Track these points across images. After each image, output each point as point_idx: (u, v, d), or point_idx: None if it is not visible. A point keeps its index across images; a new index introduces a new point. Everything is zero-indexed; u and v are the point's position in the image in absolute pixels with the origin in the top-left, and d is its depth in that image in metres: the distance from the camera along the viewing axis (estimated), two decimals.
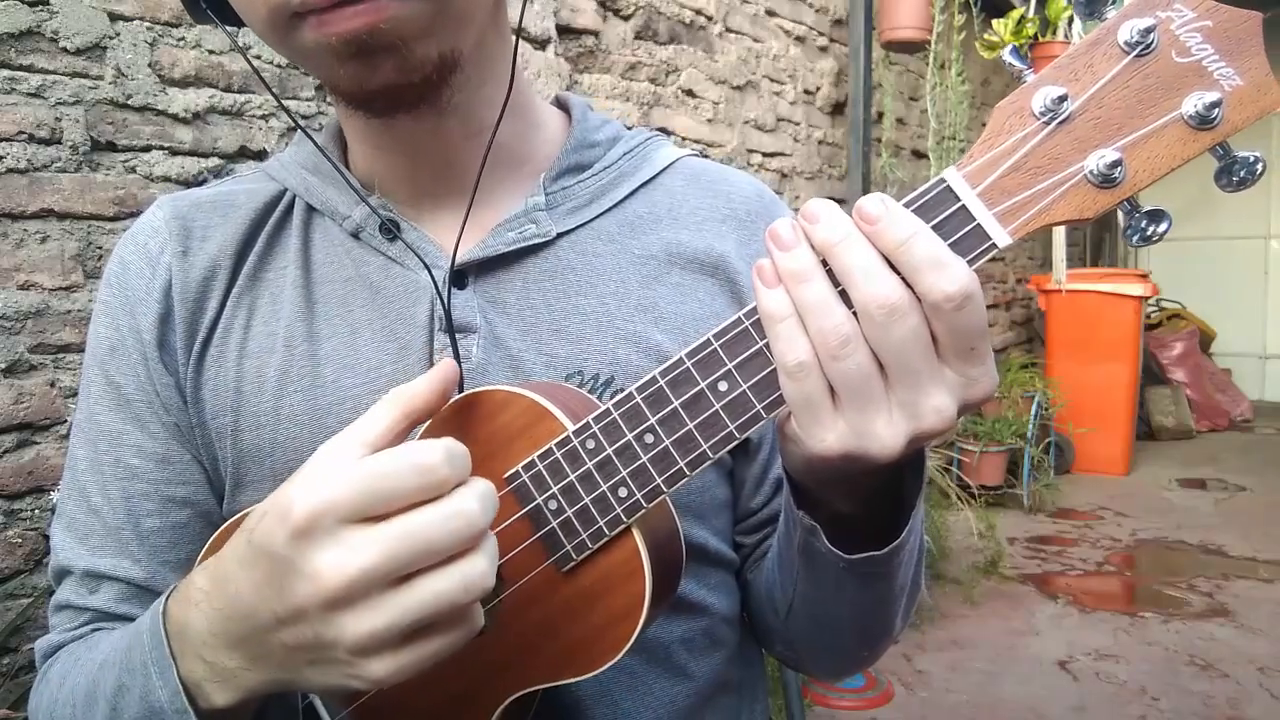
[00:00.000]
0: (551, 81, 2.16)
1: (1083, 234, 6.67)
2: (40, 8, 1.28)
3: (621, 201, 0.70)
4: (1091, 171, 0.44)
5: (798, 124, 3.28)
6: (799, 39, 3.28)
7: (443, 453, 0.43)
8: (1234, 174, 0.44)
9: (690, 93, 2.68)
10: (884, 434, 0.44)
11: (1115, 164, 0.43)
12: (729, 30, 2.88)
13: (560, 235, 0.67)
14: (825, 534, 0.54)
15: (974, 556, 3.50)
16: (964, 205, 0.45)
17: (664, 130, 0.80)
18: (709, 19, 2.77)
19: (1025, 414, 4.30)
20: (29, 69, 1.28)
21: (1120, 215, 0.46)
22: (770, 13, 3.10)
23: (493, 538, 0.45)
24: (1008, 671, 2.71)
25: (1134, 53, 0.43)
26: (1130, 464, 5.00)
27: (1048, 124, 0.44)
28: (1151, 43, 0.43)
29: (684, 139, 2.63)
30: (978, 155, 0.45)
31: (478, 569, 0.43)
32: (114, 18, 1.37)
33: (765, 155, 3.09)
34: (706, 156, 0.79)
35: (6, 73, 1.26)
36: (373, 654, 0.42)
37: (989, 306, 5.16)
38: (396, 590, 0.42)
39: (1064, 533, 4.01)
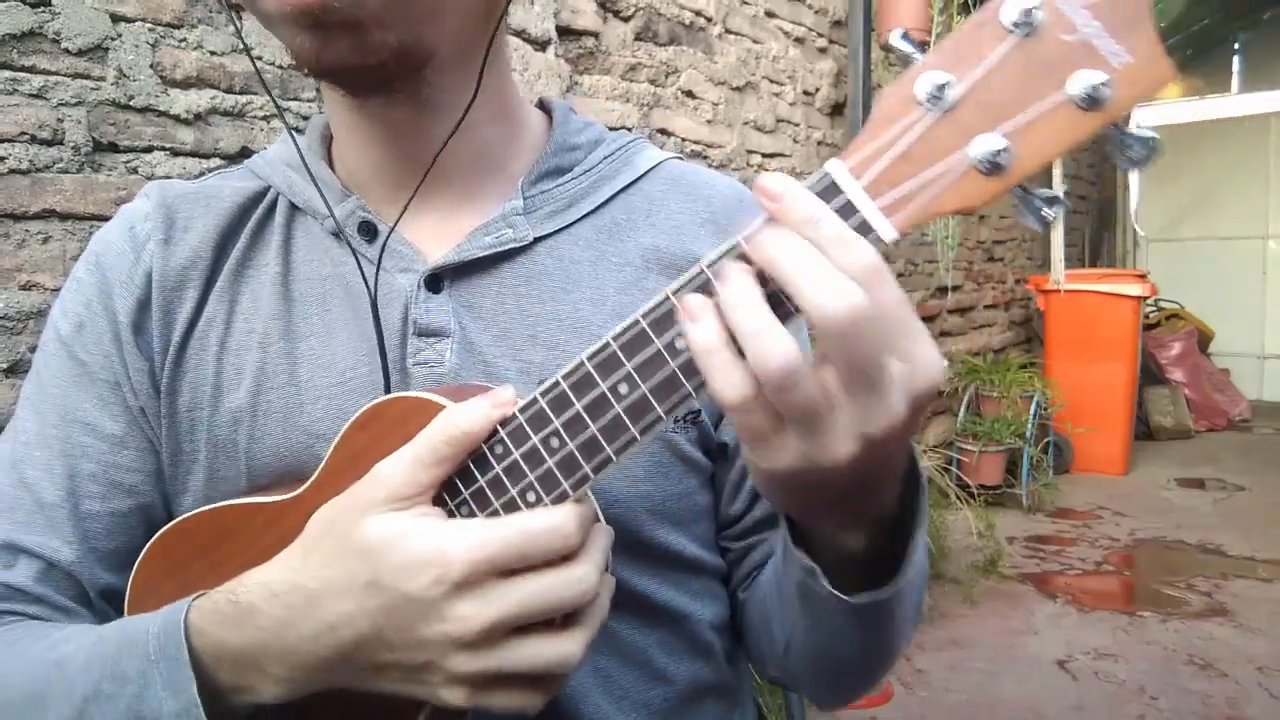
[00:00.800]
0: (552, 83, 2.16)
1: (1081, 234, 6.68)
2: (42, 9, 1.29)
3: (601, 206, 0.69)
4: (977, 159, 0.42)
5: (797, 125, 3.29)
6: (798, 40, 3.29)
7: (577, 521, 0.48)
8: (1130, 152, 0.42)
9: (690, 94, 2.68)
10: (838, 449, 0.43)
11: (1001, 150, 0.42)
12: (728, 31, 2.88)
13: (538, 240, 0.67)
14: (829, 574, 0.53)
15: (973, 556, 3.50)
16: (849, 200, 0.43)
17: (663, 131, 0.80)
18: (709, 20, 2.77)
19: (1024, 414, 4.30)
20: (31, 70, 1.28)
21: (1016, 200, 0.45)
22: (770, 14, 3.10)
23: (596, 615, 0.51)
24: (1007, 671, 2.71)
25: (1019, 33, 0.41)
26: (1129, 464, 5.00)
27: (929, 110, 0.42)
28: (1035, 21, 0.41)
29: (684, 140, 2.63)
30: (861, 145, 0.43)
31: (570, 649, 0.48)
32: (116, 19, 1.37)
33: (765, 156, 3.09)
34: (705, 158, 0.79)
35: (8, 74, 1.26)
36: (461, 684, 0.48)
37: (988, 307, 5.18)
38: (507, 640, 0.47)
39: (1063, 532, 4.02)
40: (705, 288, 0.45)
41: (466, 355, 0.64)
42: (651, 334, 0.46)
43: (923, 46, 0.45)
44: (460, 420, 0.49)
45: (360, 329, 0.64)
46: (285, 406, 0.63)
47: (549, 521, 0.47)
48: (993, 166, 0.42)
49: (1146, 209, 6.58)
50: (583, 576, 0.48)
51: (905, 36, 0.44)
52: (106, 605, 0.65)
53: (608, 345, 0.47)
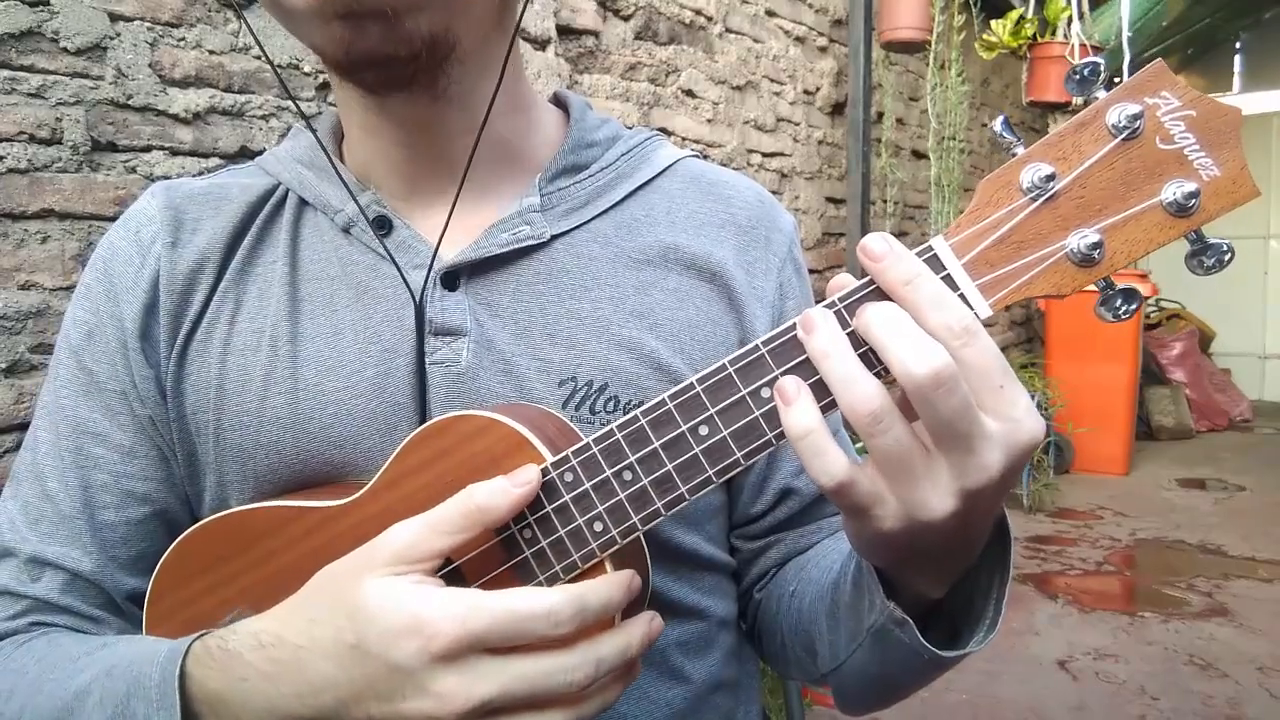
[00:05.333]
0: (551, 82, 2.16)
1: None
2: (41, 8, 1.28)
3: (618, 203, 0.69)
4: (1072, 250, 0.45)
5: (797, 124, 3.28)
6: (799, 39, 3.28)
7: (571, 608, 0.47)
8: (1204, 259, 0.45)
9: (690, 93, 2.68)
10: (938, 504, 0.44)
11: (1096, 245, 0.44)
12: (729, 31, 2.88)
13: (555, 237, 0.66)
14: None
15: None
16: (949, 275, 0.46)
17: (664, 130, 0.80)
18: (709, 19, 2.77)
19: None
20: (29, 69, 1.28)
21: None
22: (770, 13, 3.10)
23: (590, 702, 0.49)
24: (1007, 671, 2.71)
25: (1120, 136, 0.44)
26: (1130, 464, 5.00)
27: (1034, 200, 0.45)
28: (1138, 128, 0.44)
29: (684, 139, 2.63)
30: (964, 226, 0.46)
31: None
32: (114, 18, 1.37)
33: (765, 155, 3.09)
34: (706, 157, 0.78)
35: (7, 73, 1.26)
36: None
37: None
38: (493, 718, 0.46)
39: (1063, 532, 4.02)
40: (795, 339, 0.47)
41: (484, 353, 0.63)
42: (737, 380, 0.47)
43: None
44: (478, 496, 0.49)
45: (369, 330, 0.63)
46: (291, 413, 0.62)
47: (541, 605, 0.46)
48: (1085, 259, 0.45)
49: None
50: (574, 666, 0.47)
51: (1006, 124, 0.47)
52: (135, 608, 0.65)
53: (691, 387, 0.48)
